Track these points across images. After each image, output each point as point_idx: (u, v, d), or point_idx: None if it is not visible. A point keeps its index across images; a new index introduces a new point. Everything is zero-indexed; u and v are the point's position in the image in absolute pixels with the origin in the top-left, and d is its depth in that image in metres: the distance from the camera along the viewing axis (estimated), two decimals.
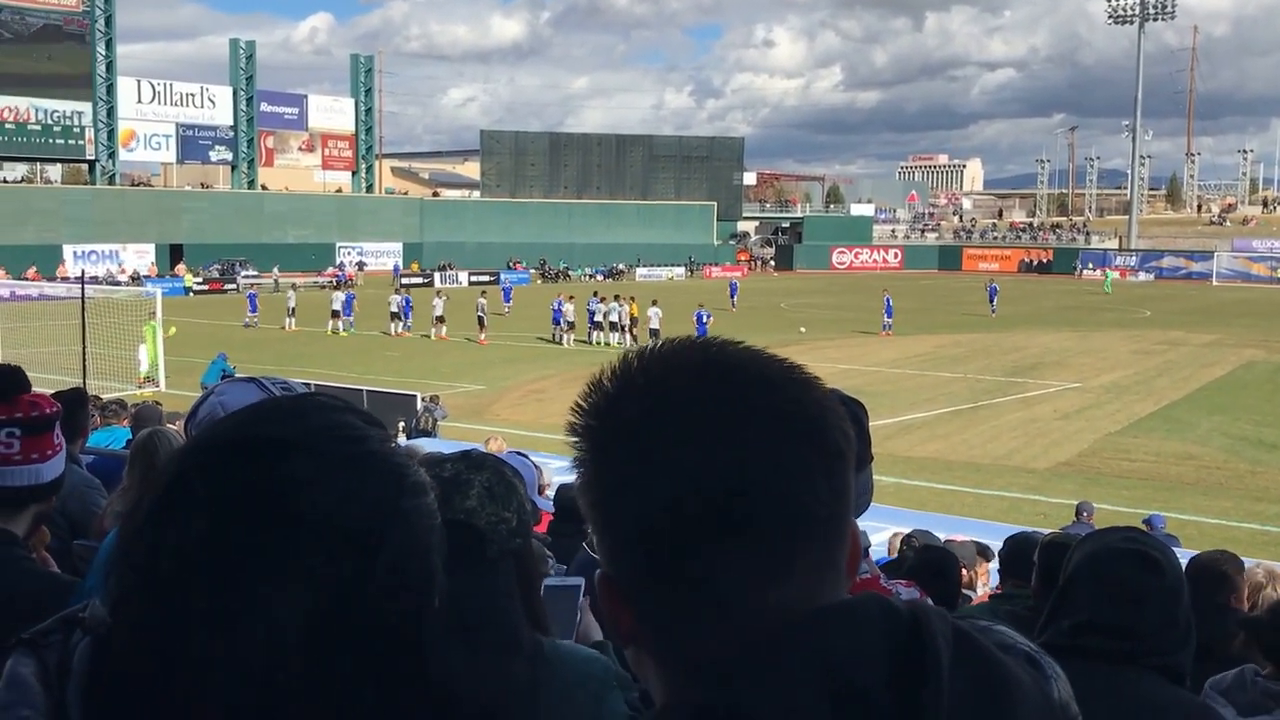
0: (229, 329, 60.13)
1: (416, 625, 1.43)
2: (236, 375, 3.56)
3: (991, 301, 73.22)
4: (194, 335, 51.99)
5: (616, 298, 59.32)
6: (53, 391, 6.08)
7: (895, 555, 12.04)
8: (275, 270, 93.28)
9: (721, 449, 1.31)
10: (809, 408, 1.37)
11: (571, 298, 59.18)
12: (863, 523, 2.89)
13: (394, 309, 60.66)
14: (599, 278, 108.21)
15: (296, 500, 1.34)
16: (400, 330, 59.68)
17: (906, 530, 14.36)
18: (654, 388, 1.37)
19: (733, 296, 74.41)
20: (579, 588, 3.45)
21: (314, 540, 1.33)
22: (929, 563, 8.74)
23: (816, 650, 1.24)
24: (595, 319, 57.55)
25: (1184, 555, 4.48)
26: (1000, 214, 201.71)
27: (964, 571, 11.31)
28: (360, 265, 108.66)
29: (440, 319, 57.29)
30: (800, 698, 1.21)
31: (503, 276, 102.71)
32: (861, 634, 1.26)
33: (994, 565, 15.35)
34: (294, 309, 62.66)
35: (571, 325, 56.88)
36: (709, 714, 1.23)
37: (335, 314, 60.98)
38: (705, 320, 53.96)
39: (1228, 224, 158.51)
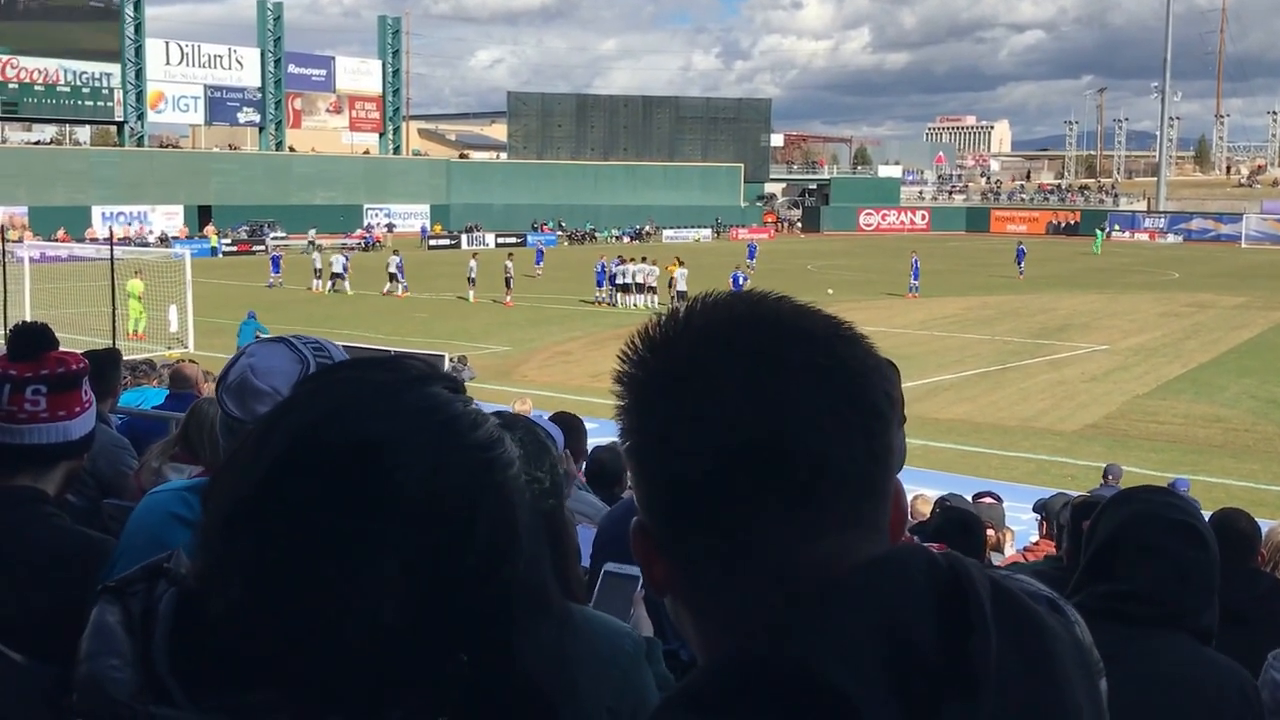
0: (257, 290, 60.29)
1: (508, 594, 1.46)
2: (266, 336, 3.54)
3: (1019, 263, 72.95)
4: (222, 296, 52.11)
5: (644, 259, 59.10)
6: (83, 351, 6.11)
7: (926, 518, 12.06)
8: (312, 232, 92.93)
9: (754, 403, 1.30)
10: (850, 364, 1.36)
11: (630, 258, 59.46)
12: None
13: (391, 269, 60.90)
14: (626, 239, 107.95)
15: (393, 489, 1.36)
16: (399, 291, 59.69)
17: (931, 493, 14.39)
18: (693, 339, 1.38)
19: (751, 258, 73.73)
20: (638, 579, 3.41)
21: (410, 521, 1.36)
22: (953, 521, 8.75)
23: (870, 601, 1.25)
24: (616, 281, 57.18)
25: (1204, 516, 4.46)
26: (1028, 176, 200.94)
27: (992, 532, 11.35)
28: (390, 227, 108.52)
29: (472, 280, 57.18)
30: (855, 648, 1.21)
31: (530, 239, 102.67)
32: (911, 585, 1.27)
33: (1020, 529, 15.43)
34: (320, 270, 62.63)
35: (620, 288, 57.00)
36: (763, 665, 1.23)
37: (336, 276, 61.49)
38: (741, 283, 52.92)
39: (1257, 186, 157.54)
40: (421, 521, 1.36)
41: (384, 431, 1.39)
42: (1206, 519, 4.47)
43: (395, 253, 64.91)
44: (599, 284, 57.73)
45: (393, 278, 60.23)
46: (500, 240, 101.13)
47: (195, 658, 1.38)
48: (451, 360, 31.99)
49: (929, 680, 1.21)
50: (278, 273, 64.58)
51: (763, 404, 1.31)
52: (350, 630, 1.33)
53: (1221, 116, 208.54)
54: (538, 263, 72.85)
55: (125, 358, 20.15)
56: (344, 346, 3.31)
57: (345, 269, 62.07)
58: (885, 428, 1.37)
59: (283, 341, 3.25)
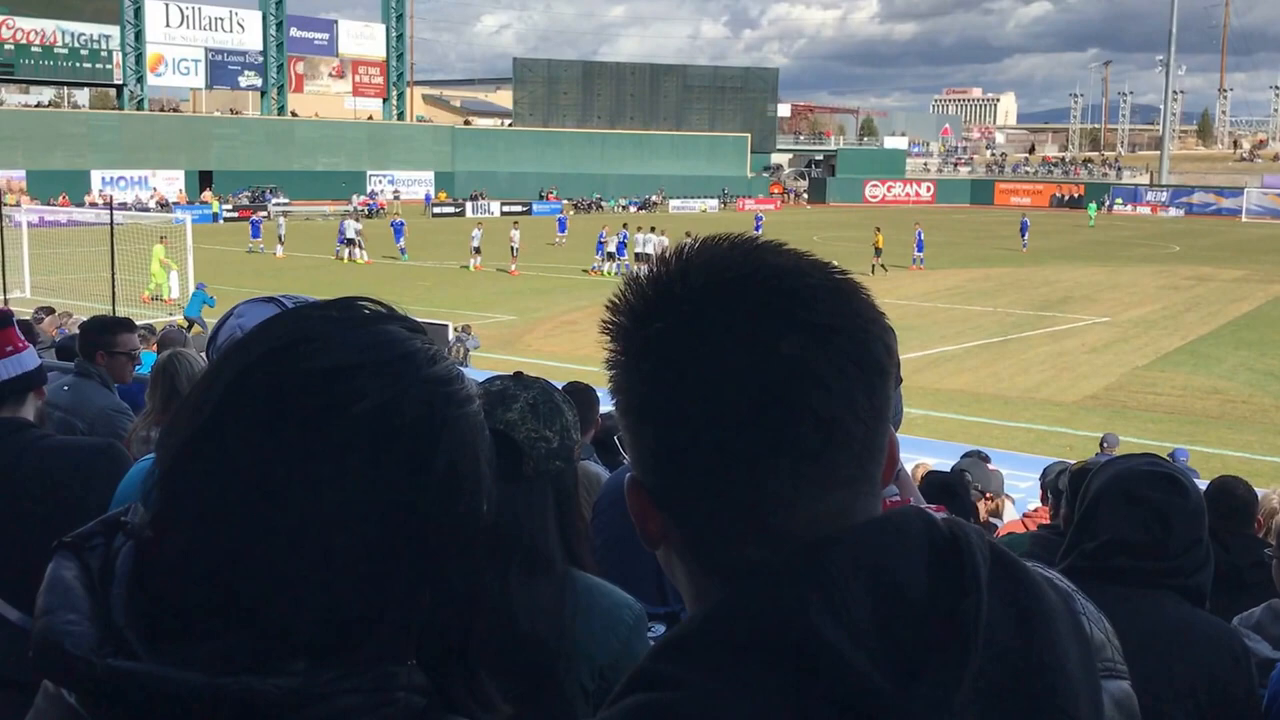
0: (259, 256, 60.62)
1: (472, 532, 1.44)
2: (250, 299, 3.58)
3: (1022, 236, 72.78)
4: (223, 262, 52.03)
5: (653, 229, 58.78)
6: (86, 318, 6.14)
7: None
8: (355, 198, 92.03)
9: (761, 367, 1.29)
10: (853, 320, 1.35)
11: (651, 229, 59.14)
12: None
13: (351, 235, 61.28)
14: (633, 209, 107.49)
15: (347, 419, 1.34)
16: (365, 258, 60.09)
17: (932, 461, 14.40)
18: (692, 299, 1.35)
19: (757, 230, 73.13)
20: None
21: (365, 452, 1.34)
22: (933, 485, 8.77)
23: (865, 558, 1.25)
24: (604, 250, 56.91)
25: (1201, 486, 4.49)
26: (1032, 149, 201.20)
27: (991, 500, 11.41)
28: (396, 195, 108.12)
29: (477, 249, 57.01)
30: (846, 603, 1.22)
31: (535, 207, 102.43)
32: (906, 545, 1.27)
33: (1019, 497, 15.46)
34: (352, 239, 62.07)
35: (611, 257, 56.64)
36: (753, 616, 1.24)
37: (350, 242, 61.35)
38: None
39: (1258, 160, 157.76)
40: (377, 453, 1.34)
41: (337, 362, 1.37)
42: (1204, 487, 4.50)
43: (355, 219, 65.01)
44: (620, 254, 57.15)
45: (350, 242, 60.60)
46: (505, 209, 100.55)
47: (154, 609, 1.36)
48: (456, 329, 31.92)
49: (918, 638, 1.22)
50: (257, 237, 64.50)
51: (770, 367, 1.29)
52: (306, 565, 1.31)
53: (1225, 91, 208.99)
54: (561, 231, 72.70)
55: (148, 323, 20.14)
56: None
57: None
58: (885, 382, 1.36)
59: (270, 300, 3.28)
